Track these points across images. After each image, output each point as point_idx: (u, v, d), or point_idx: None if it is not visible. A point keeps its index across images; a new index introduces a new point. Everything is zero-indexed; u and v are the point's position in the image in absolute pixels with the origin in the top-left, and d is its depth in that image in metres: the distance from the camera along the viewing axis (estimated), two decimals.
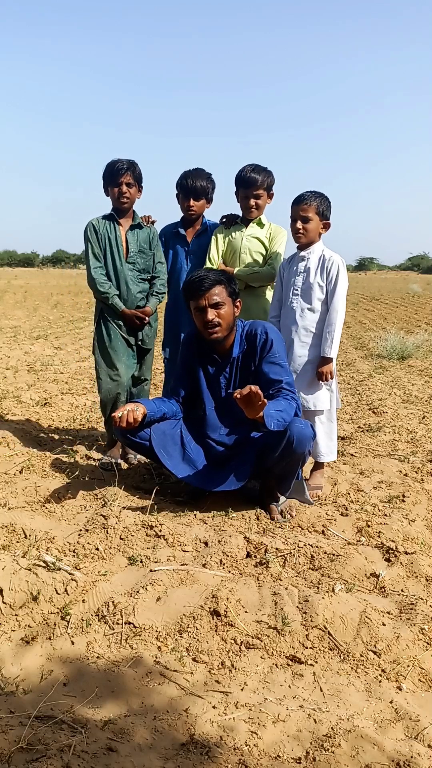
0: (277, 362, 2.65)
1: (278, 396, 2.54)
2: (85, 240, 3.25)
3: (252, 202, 3.15)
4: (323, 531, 2.51)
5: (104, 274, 3.23)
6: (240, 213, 3.29)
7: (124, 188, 3.15)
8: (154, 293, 3.32)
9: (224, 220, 3.32)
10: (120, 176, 3.12)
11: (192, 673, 1.63)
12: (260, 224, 3.24)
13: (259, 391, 2.24)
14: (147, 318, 3.28)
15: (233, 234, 3.25)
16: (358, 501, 2.84)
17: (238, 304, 2.72)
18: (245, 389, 2.24)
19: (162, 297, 3.36)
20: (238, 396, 2.25)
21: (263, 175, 3.13)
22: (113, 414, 2.58)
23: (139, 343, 3.33)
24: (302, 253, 3.01)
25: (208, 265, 3.22)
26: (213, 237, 3.27)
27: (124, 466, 3.35)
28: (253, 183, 3.11)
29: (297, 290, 3.01)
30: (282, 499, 2.73)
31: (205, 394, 2.83)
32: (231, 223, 3.29)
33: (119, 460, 3.31)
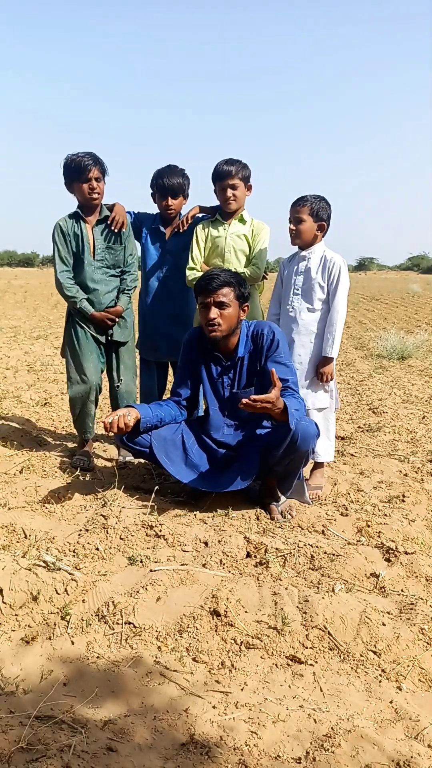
0: (282, 362, 2.66)
1: (285, 394, 2.54)
2: (52, 242, 3.15)
3: (229, 192, 3.08)
4: (323, 531, 2.51)
5: (71, 277, 3.15)
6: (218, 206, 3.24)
7: (94, 183, 3.06)
8: (124, 290, 3.23)
9: (207, 218, 3.24)
10: (89, 171, 3.02)
11: (192, 673, 1.63)
12: (242, 221, 3.17)
13: (269, 399, 2.28)
14: (117, 318, 3.21)
15: (215, 231, 3.16)
16: (358, 501, 2.84)
17: (245, 308, 2.71)
18: (253, 400, 2.27)
19: (131, 293, 3.27)
20: (244, 404, 2.28)
21: (237, 165, 3.07)
22: (104, 420, 2.55)
23: (109, 338, 3.24)
24: (303, 253, 3.02)
25: (191, 264, 3.15)
26: (195, 234, 3.18)
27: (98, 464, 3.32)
28: (227, 174, 3.06)
29: (297, 290, 3.01)
30: (282, 499, 2.73)
31: (208, 393, 2.83)
32: (213, 214, 3.22)
33: (90, 460, 3.24)
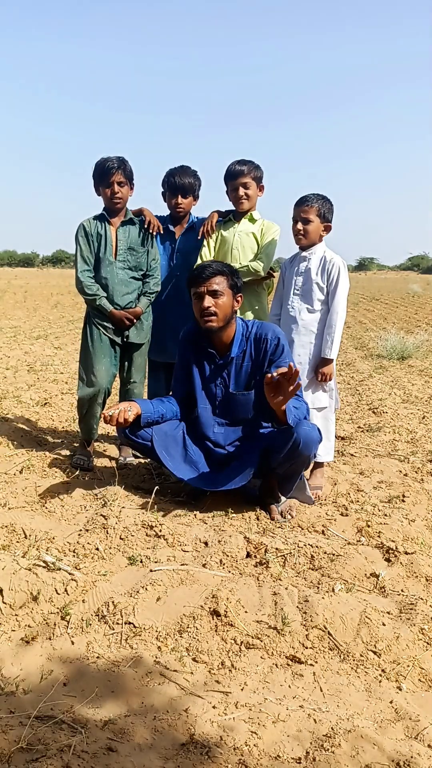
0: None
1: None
2: (75, 242, 3.21)
3: (241, 191, 3.11)
4: (323, 531, 2.51)
5: (92, 277, 3.18)
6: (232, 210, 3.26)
7: (116, 188, 3.09)
8: (146, 293, 3.25)
9: (220, 220, 3.27)
10: (111, 175, 3.06)
11: (192, 673, 1.63)
12: (252, 220, 3.19)
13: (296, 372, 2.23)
14: (135, 319, 3.22)
15: (225, 230, 3.21)
16: (358, 501, 2.84)
17: (238, 298, 2.71)
18: (283, 370, 2.24)
19: (152, 297, 3.29)
20: (274, 375, 2.25)
21: (249, 165, 3.12)
22: (104, 412, 2.57)
23: (125, 339, 3.25)
24: (304, 254, 3.02)
25: (198, 262, 3.17)
26: (206, 237, 3.23)
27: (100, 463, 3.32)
28: (239, 173, 3.10)
29: (297, 290, 3.02)
30: (282, 499, 2.73)
31: (199, 392, 2.82)
32: (224, 216, 3.25)
33: (90, 460, 3.24)
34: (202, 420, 2.82)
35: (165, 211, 3.41)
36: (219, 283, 2.61)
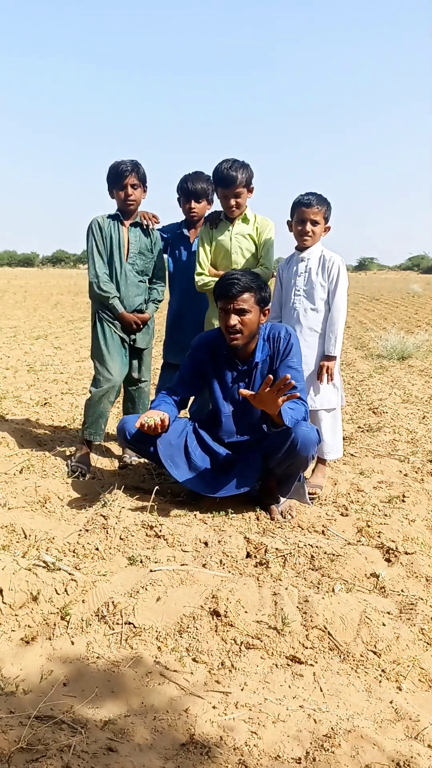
0: (294, 367, 2.66)
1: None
2: (88, 237, 3.19)
3: (232, 201, 3.02)
4: (323, 531, 2.51)
5: (107, 273, 3.19)
6: (221, 210, 3.23)
7: (130, 190, 3.11)
8: (153, 300, 3.28)
9: (207, 222, 3.22)
10: (125, 178, 3.08)
11: (192, 673, 1.63)
12: (245, 220, 3.14)
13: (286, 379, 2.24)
14: (142, 324, 3.24)
15: (219, 233, 3.15)
16: (358, 501, 2.84)
17: (266, 311, 2.68)
18: (275, 382, 2.25)
19: (159, 304, 3.33)
20: (265, 389, 2.25)
21: (241, 171, 2.96)
22: (141, 422, 2.53)
23: (131, 342, 3.28)
24: (302, 254, 3.02)
25: (198, 269, 3.14)
26: (199, 239, 3.18)
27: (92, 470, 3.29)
28: (231, 182, 2.94)
29: (299, 291, 3.02)
30: (282, 499, 2.73)
31: (220, 399, 2.80)
32: (215, 222, 3.18)
33: (89, 469, 3.19)
34: (225, 427, 2.81)
35: (181, 216, 3.45)
36: (246, 300, 2.57)
